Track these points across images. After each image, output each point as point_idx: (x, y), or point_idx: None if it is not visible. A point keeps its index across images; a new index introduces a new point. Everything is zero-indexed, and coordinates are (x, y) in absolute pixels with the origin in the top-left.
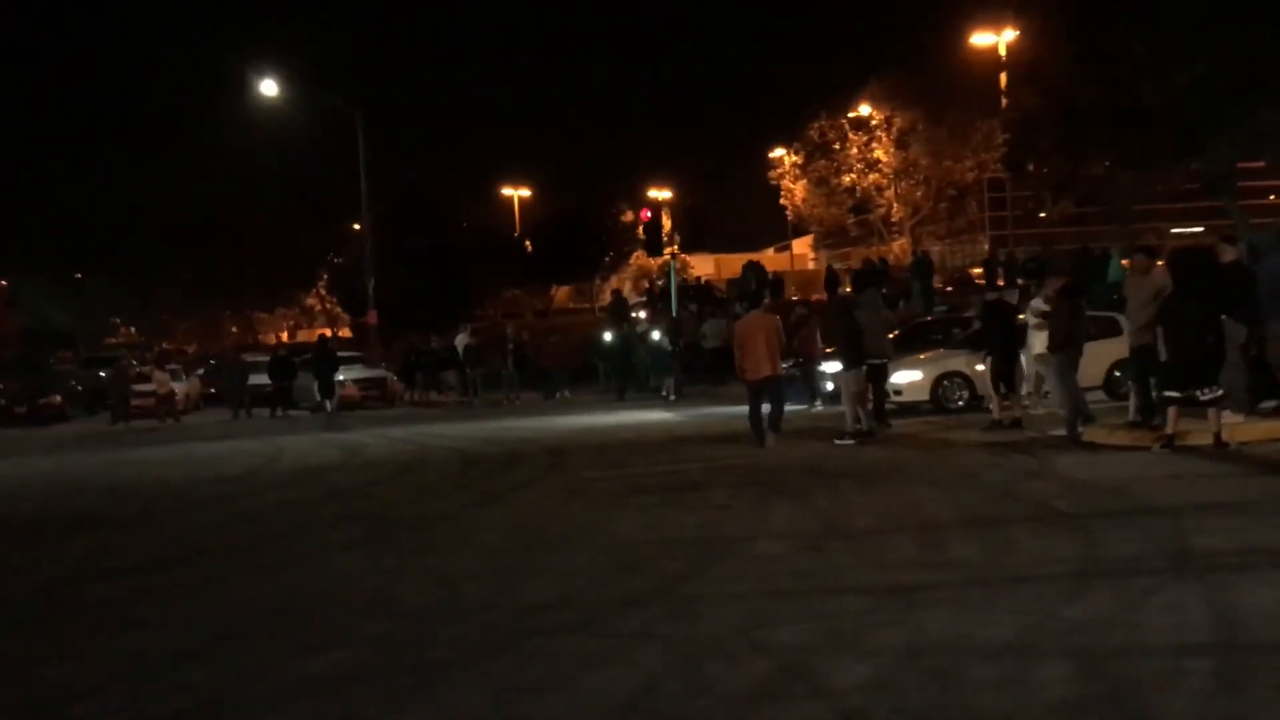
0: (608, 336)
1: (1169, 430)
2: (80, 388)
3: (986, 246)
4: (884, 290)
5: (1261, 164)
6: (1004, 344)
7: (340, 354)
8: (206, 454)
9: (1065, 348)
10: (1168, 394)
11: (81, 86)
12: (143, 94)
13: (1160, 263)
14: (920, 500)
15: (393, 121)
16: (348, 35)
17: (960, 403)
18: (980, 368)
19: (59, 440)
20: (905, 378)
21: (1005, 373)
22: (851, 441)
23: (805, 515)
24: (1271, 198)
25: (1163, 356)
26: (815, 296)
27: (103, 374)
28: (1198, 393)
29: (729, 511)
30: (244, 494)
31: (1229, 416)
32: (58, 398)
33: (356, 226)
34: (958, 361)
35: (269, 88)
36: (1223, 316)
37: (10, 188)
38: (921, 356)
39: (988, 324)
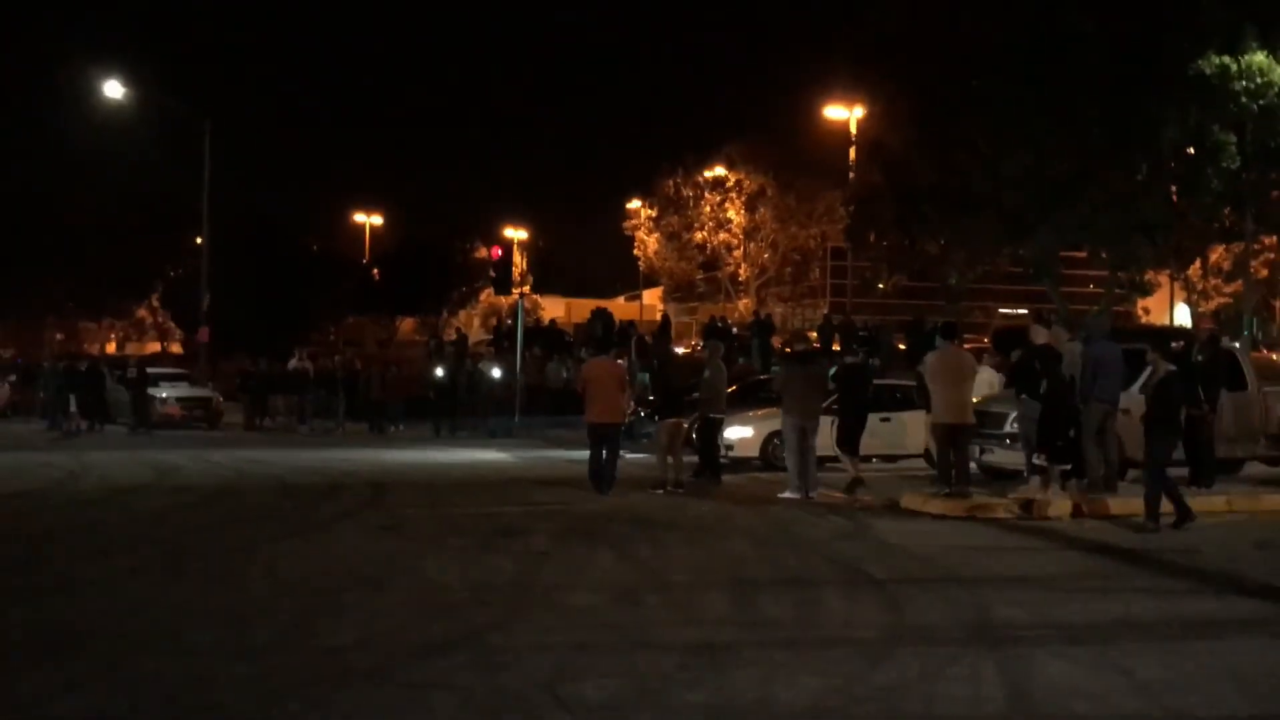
0: (439, 372)
1: (1075, 500)
2: None
3: (825, 312)
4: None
5: (1083, 254)
6: (856, 407)
7: (165, 371)
8: (5, 466)
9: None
10: (1036, 462)
11: None
12: None
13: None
14: (740, 556)
15: (246, 139)
16: (204, 49)
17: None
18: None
19: None
20: (737, 434)
21: (853, 435)
22: (660, 491)
23: (625, 566)
24: (1091, 286)
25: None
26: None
27: None
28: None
29: (548, 559)
30: (38, 511)
31: (1030, 491)
32: None
33: (198, 241)
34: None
35: (113, 89)
36: (1022, 395)
37: None
38: (753, 414)
39: (844, 387)
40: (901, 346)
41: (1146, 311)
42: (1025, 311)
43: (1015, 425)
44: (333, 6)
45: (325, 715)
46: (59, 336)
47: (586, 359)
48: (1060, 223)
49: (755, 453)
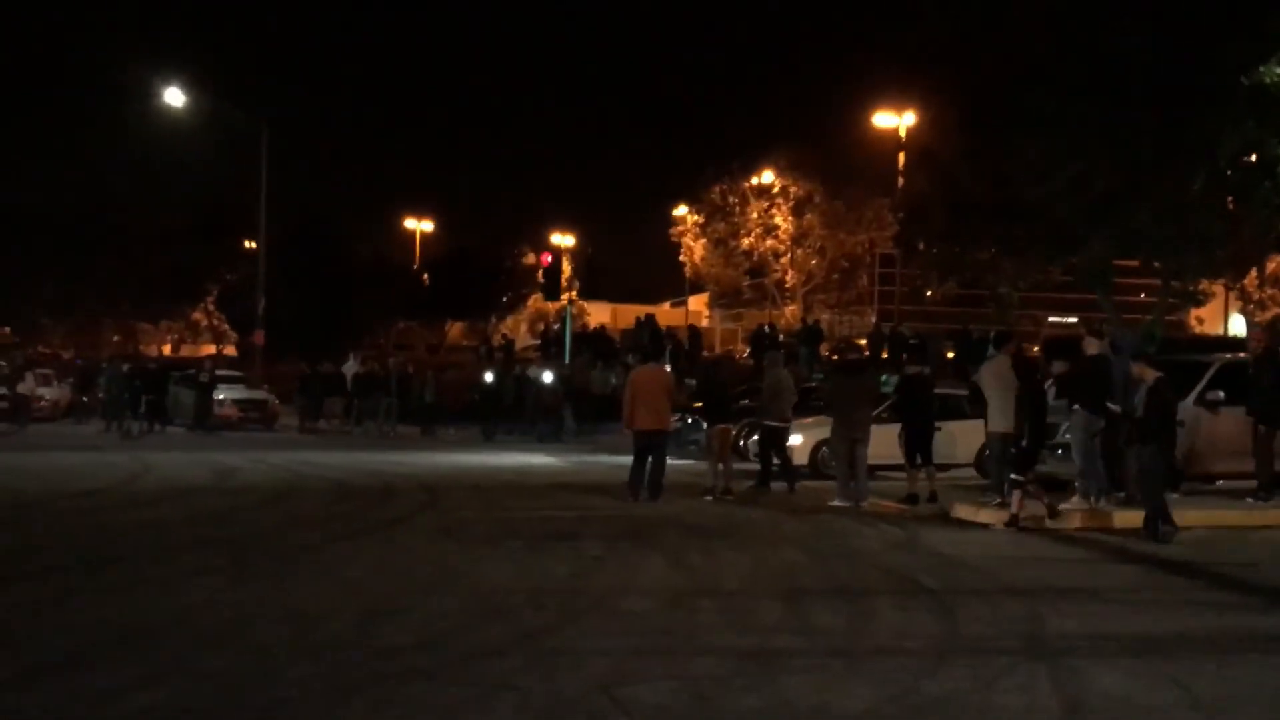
0: (488, 377)
1: (1014, 511)
2: None
3: (873, 319)
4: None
5: (1136, 262)
6: (920, 417)
7: (222, 373)
8: (69, 465)
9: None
10: (1015, 476)
11: None
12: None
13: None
14: (791, 564)
15: (300, 145)
16: (261, 58)
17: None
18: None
19: None
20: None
21: (922, 445)
22: (709, 498)
23: (677, 572)
24: (1143, 295)
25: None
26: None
27: None
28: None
29: (601, 563)
30: (102, 510)
31: (1076, 503)
32: None
33: (252, 245)
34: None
35: (174, 96)
36: (1075, 406)
37: None
38: (802, 422)
39: (905, 397)
40: (950, 355)
41: (1200, 321)
42: (1075, 320)
43: (1067, 436)
44: (386, 14)
45: (388, 714)
46: (116, 338)
47: (634, 365)
48: (1112, 233)
49: (805, 460)
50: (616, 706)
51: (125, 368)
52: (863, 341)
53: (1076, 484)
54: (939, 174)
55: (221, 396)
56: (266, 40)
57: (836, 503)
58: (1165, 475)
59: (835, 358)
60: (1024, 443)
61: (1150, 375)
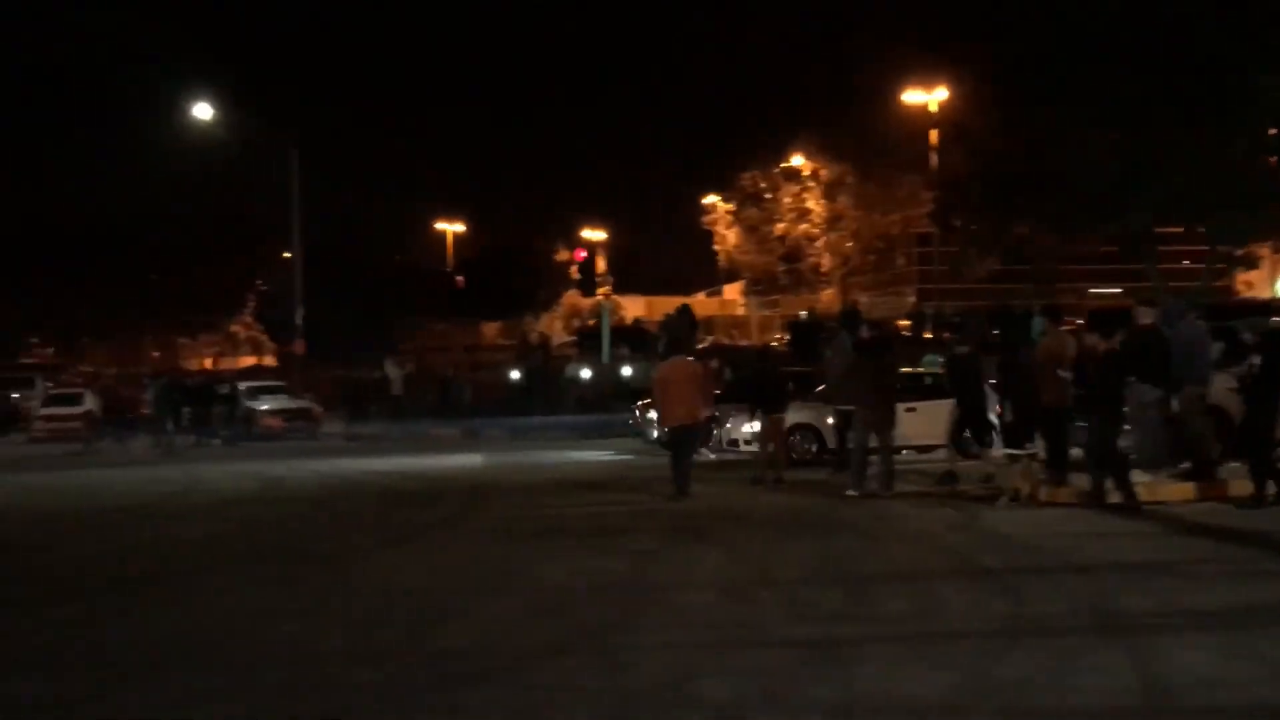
0: (514, 374)
1: (1016, 486)
2: None
3: (912, 299)
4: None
5: (1180, 229)
6: (969, 397)
7: (264, 383)
8: (121, 480)
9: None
10: (1009, 451)
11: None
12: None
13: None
14: (848, 551)
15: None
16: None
17: (809, 455)
18: (830, 420)
19: None
20: (750, 429)
21: (973, 425)
22: (759, 487)
23: (735, 564)
24: (1186, 262)
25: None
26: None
27: (15, 395)
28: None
29: (656, 557)
30: (155, 523)
31: (1139, 476)
32: None
33: (287, 255)
34: (806, 414)
35: (203, 110)
36: (1132, 379)
37: None
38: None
39: (957, 379)
40: (995, 332)
41: (1249, 286)
42: (1119, 291)
43: (1124, 409)
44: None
45: (458, 718)
46: (156, 354)
47: (663, 357)
48: (1152, 199)
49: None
50: (686, 702)
51: (165, 381)
52: (905, 322)
53: (1134, 458)
54: (974, 148)
55: (265, 407)
56: (294, 45)
57: (850, 493)
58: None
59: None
60: (1009, 419)
61: (1102, 347)
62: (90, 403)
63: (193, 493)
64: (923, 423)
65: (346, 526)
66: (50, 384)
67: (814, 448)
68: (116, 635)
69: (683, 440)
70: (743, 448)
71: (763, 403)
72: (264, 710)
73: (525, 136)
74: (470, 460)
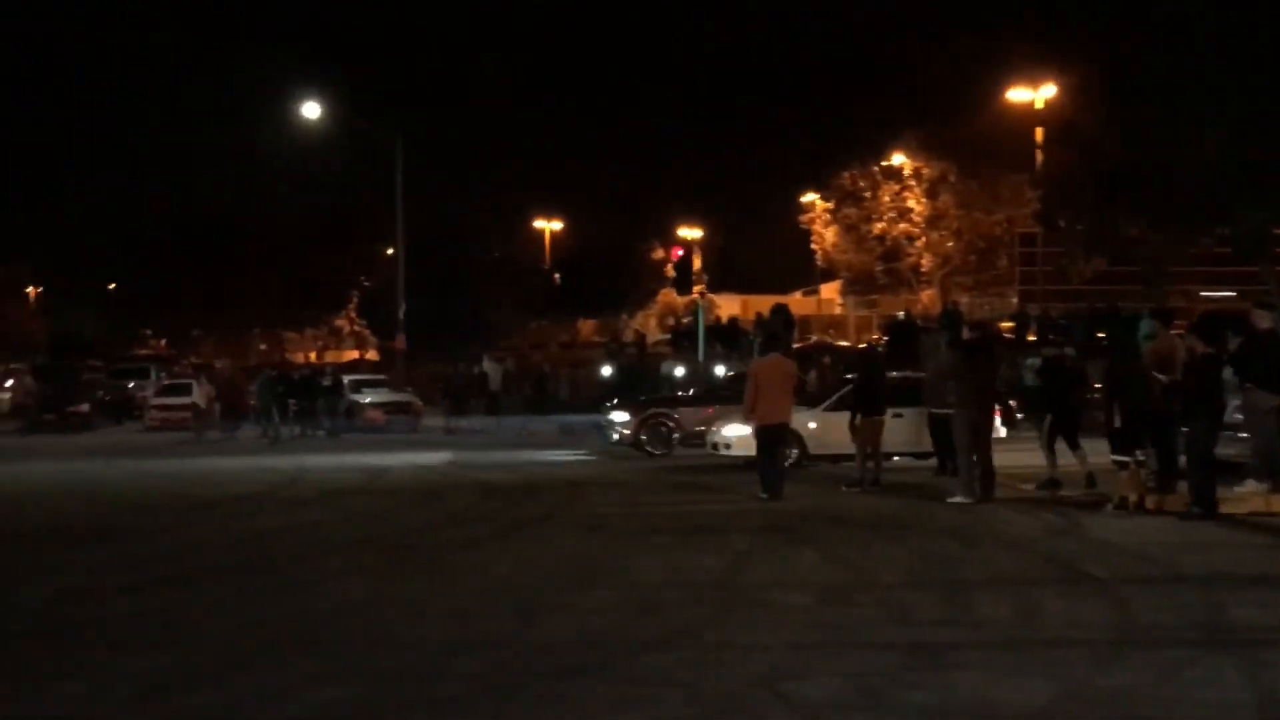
0: (605, 371)
1: (1123, 493)
2: (108, 397)
3: (1015, 300)
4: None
5: None
6: (1062, 401)
7: (367, 377)
8: (229, 471)
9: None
10: (1117, 458)
11: (115, 98)
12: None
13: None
14: (948, 555)
15: (426, 148)
16: (385, 62)
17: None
18: (813, 425)
19: (87, 449)
20: (734, 432)
21: (1066, 430)
22: (856, 490)
23: (831, 565)
24: None
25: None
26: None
27: (130, 384)
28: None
29: (751, 557)
30: (263, 513)
31: (1252, 485)
32: (85, 406)
33: (390, 251)
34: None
35: (310, 110)
36: (1248, 385)
37: (45, 195)
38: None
39: (1050, 380)
40: (1100, 335)
41: None
42: (1233, 294)
43: (1239, 415)
44: (510, 11)
45: (556, 709)
46: (263, 347)
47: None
48: (1269, 198)
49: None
50: (782, 702)
51: (273, 375)
52: (1008, 324)
53: (1250, 466)
54: (1081, 146)
55: (368, 399)
56: (396, 45)
57: (958, 499)
58: None
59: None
60: (1118, 424)
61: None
62: (199, 393)
63: (299, 483)
64: (907, 429)
65: (446, 519)
66: (164, 375)
67: (794, 452)
68: (220, 623)
69: (774, 440)
70: (722, 452)
71: (862, 405)
72: (375, 694)
73: (624, 135)
74: (564, 455)
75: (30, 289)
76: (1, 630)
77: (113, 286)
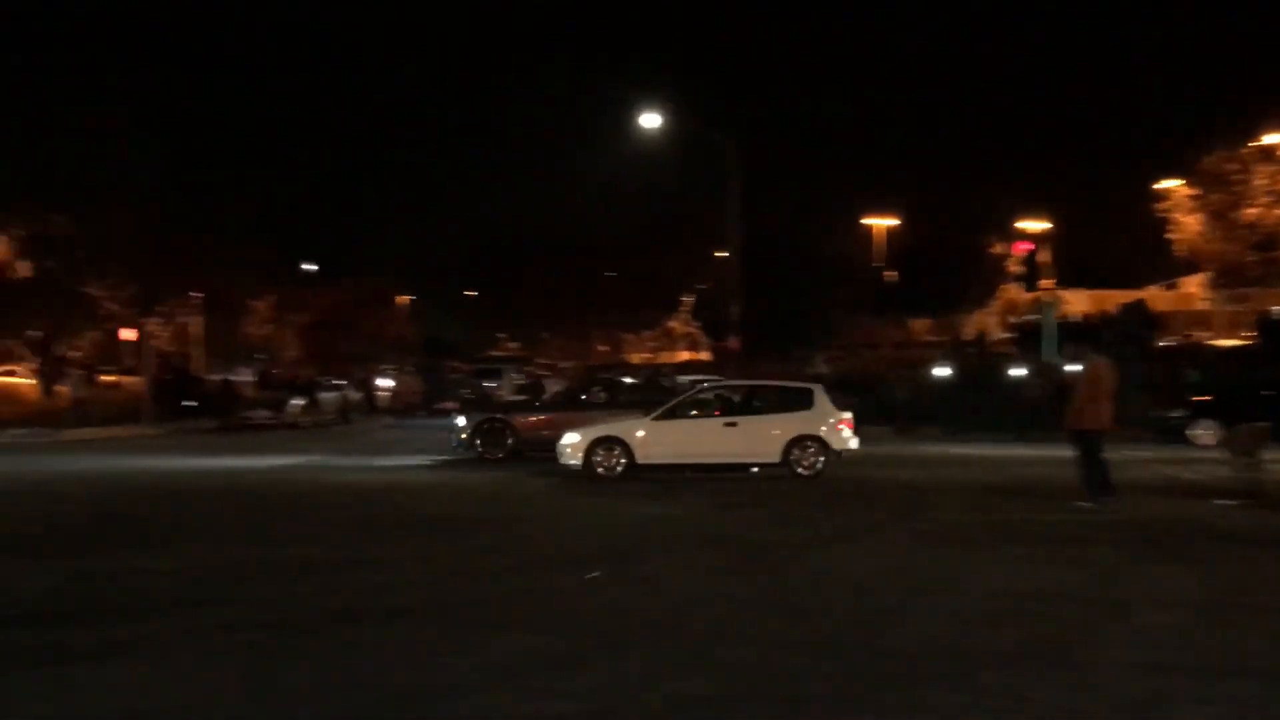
0: (934, 371)
1: None
2: (471, 395)
3: None
4: None
5: None
6: None
7: (699, 378)
8: None
9: None
10: None
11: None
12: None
13: None
14: None
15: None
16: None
17: (619, 469)
18: (640, 434)
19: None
20: (568, 440)
21: None
22: (1233, 502)
23: (1207, 583)
24: None
25: None
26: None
27: (488, 384)
28: None
29: (1113, 570)
30: (605, 509)
31: None
32: (451, 403)
33: (724, 254)
34: (615, 426)
35: (649, 120)
36: None
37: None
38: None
39: None
40: None
41: None
42: None
43: None
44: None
45: (917, 715)
46: (603, 348)
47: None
48: None
49: (578, 461)
50: None
51: (599, 375)
52: None
53: None
54: None
55: None
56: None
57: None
58: None
59: None
60: None
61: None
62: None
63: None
64: (742, 439)
65: (784, 521)
66: (517, 375)
67: (623, 462)
68: (581, 610)
69: (1096, 444)
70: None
71: (1246, 411)
72: (725, 688)
73: (959, 125)
74: (893, 454)
75: (400, 298)
76: (402, 608)
77: (472, 294)
